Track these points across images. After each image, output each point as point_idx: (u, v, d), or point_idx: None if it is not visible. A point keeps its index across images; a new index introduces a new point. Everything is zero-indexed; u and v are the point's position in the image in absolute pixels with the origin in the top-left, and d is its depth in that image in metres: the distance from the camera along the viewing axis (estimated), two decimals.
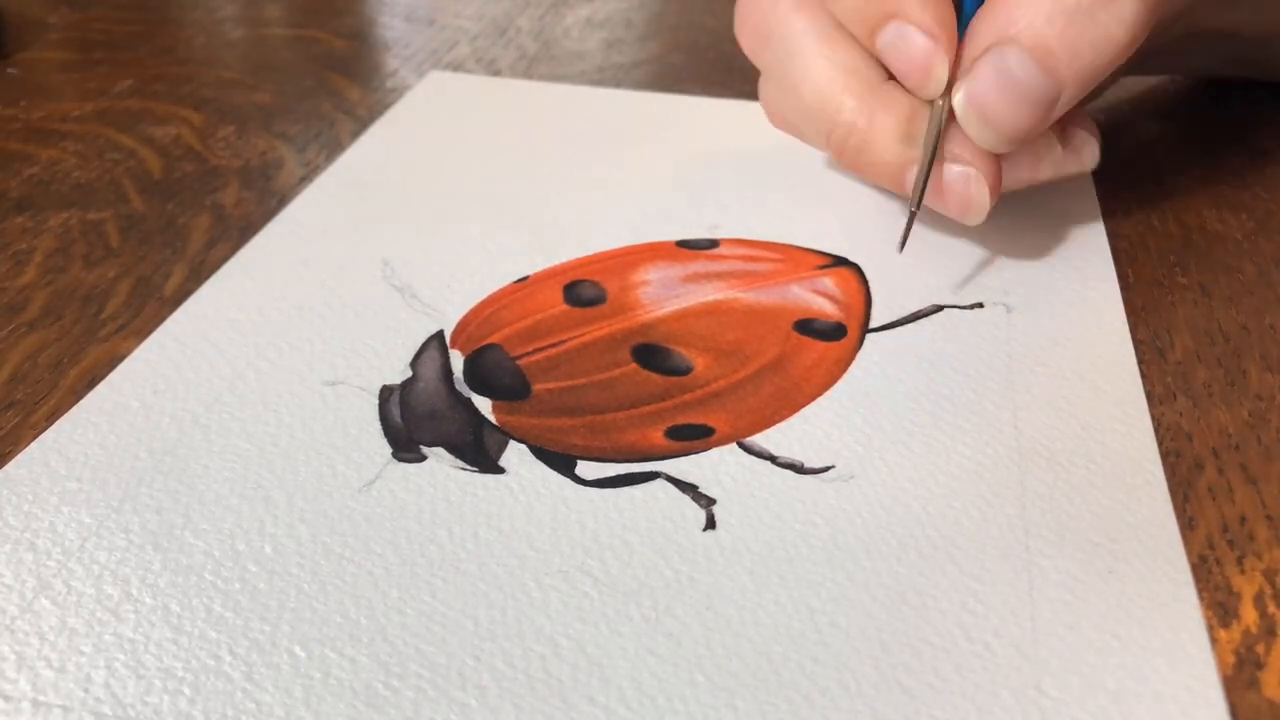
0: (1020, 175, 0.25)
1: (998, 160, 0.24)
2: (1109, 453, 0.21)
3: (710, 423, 0.21)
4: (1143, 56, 0.27)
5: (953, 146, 0.24)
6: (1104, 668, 0.16)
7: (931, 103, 0.24)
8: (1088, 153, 0.26)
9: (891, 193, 0.29)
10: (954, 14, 0.24)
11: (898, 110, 0.24)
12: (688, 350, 0.23)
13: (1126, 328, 0.24)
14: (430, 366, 0.23)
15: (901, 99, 0.24)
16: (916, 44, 0.23)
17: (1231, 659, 0.17)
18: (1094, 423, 0.21)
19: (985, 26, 0.23)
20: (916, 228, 0.28)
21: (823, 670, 0.16)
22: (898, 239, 0.26)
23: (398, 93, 0.37)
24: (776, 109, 0.28)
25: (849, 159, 0.25)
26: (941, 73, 0.23)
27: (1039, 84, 0.22)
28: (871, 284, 0.26)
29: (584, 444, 0.21)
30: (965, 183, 0.24)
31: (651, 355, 0.23)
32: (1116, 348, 0.24)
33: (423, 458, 0.21)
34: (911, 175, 0.25)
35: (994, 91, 0.23)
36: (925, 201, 0.25)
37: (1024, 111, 0.23)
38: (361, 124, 0.34)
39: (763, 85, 0.28)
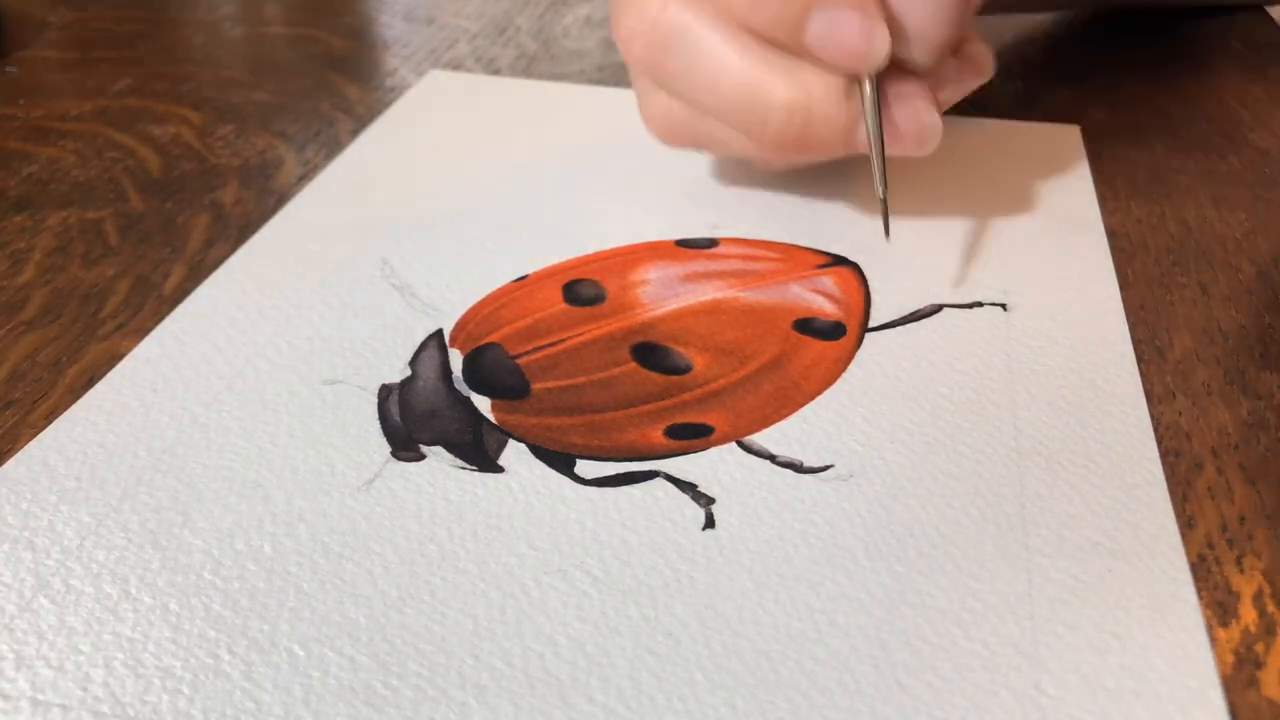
0: (946, 101, 0.25)
1: (928, 85, 0.24)
2: (1108, 452, 0.21)
3: (709, 422, 0.21)
4: None
5: (886, 92, 0.24)
6: (1103, 667, 0.16)
7: (860, 82, 0.24)
8: (985, 61, 0.26)
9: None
10: None
11: (830, 76, 0.24)
12: (687, 349, 0.23)
13: (1126, 327, 0.24)
14: (429, 365, 0.23)
15: (827, 69, 0.24)
16: (851, 22, 0.23)
17: (1231, 658, 0.17)
18: (1093, 422, 0.21)
19: None
20: (916, 226, 0.28)
21: (822, 669, 0.16)
22: (882, 232, 0.26)
23: (397, 92, 0.37)
24: (679, 121, 0.27)
25: (794, 138, 0.24)
26: (883, 42, 0.23)
27: None
28: (871, 283, 0.26)
29: (583, 443, 0.21)
30: (914, 116, 0.24)
31: (651, 354, 0.23)
32: (1116, 347, 0.24)
33: (422, 457, 0.21)
34: (861, 131, 0.24)
35: (915, 3, 0.23)
36: (887, 147, 0.25)
37: (942, 13, 0.23)
38: (361, 123, 0.34)
39: (652, 101, 0.27)
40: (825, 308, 0.25)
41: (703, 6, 0.24)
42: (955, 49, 0.25)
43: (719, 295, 0.25)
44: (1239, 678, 0.17)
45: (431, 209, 0.29)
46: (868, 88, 0.24)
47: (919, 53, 0.24)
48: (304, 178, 0.31)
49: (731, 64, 0.24)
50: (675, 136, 0.27)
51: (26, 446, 0.21)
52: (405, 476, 0.20)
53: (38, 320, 0.25)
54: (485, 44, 0.41)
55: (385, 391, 0.22)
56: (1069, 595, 0.18)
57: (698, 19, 0.24)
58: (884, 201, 0.24)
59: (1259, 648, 0.17)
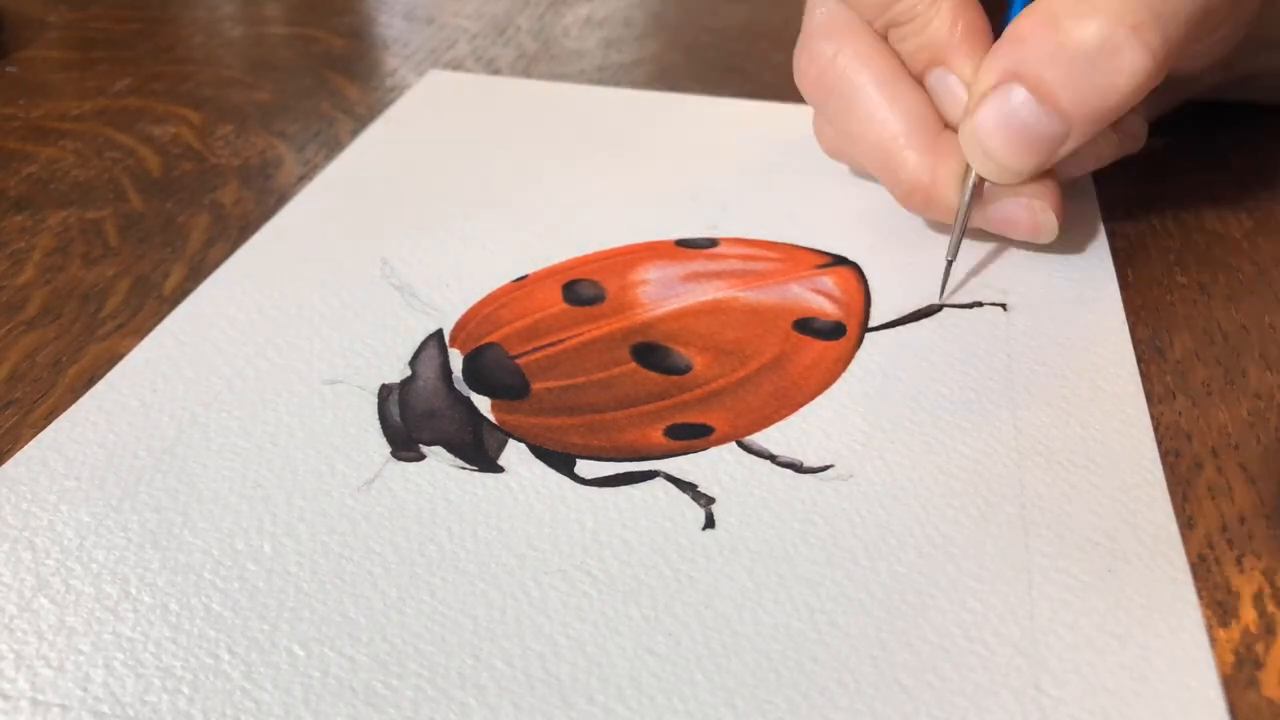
0: (1084, 166, 0.27)
1: (1054, 179, 0.25)
2: (1108, 452, 0.21)
3: (709, 422, 0.21)
4: (1209, 89, 0.30)
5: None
6: (1103, 667, 0.16)
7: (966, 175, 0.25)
8: (1140, 133, 0.27)
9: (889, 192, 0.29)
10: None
11: (957, 158, 0.25)
12: (687, 349, 0.23)
13: (1126, 327, 0.24)
14: (429, 365, 0.23)
15: (959, 145, 0.25)
16: (955, 93, 0.25)
17: (1231, 658, 0.17)
18: (1093, 422, 0.21)
19: (996, 60, 0.23)
20: (916, 226, 0.28)
21: (822, 669, 0.16)
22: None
23: (397, 91, 0.37)
24: (837, 147, 0.29)
25: (915, 207, 0.26)
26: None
27: (1044, 125, 0.23)
28: (871, 283, 0.26)
29: (583, 443, 0.21)
30: (1029, 212, 0.25)
31: (651, 354, 0.23)
32: (1116, 347, 0.24)
33: (422, 457, 0.21)
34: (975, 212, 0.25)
35: (998, 129, 0.23)
36: (997, 230, 0.26)
37: (1027, 151, 0.23)
38: (361, 123, 0.34)
39: (820, 124, 0.29)
40: (825, 308, 0.25)
41: (874, 63, 0.26)
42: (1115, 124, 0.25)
43: (719, 295, 0.25)
44: (1239, 678, 0.17)
45: (431, 209, 0.29)
46: (970, 182, 0.25)
47: (986, 171, 0.24)
48: (304, 178, 0.31)
49: (878, 125, 0.25)
50: (833, 154, 0.30)
51: (26, 446, 0.21)
52: (405, 476, 0.20)
53: (38, 320, 0.25)
54: (485, 44, 0.41)
55: (385, 391, 0.22)
56: (1069, 595, 0.18)
57: (862, 74, 0.26)
58: (949, 263, 0.25)
59: (1259, 648, 0.17)
